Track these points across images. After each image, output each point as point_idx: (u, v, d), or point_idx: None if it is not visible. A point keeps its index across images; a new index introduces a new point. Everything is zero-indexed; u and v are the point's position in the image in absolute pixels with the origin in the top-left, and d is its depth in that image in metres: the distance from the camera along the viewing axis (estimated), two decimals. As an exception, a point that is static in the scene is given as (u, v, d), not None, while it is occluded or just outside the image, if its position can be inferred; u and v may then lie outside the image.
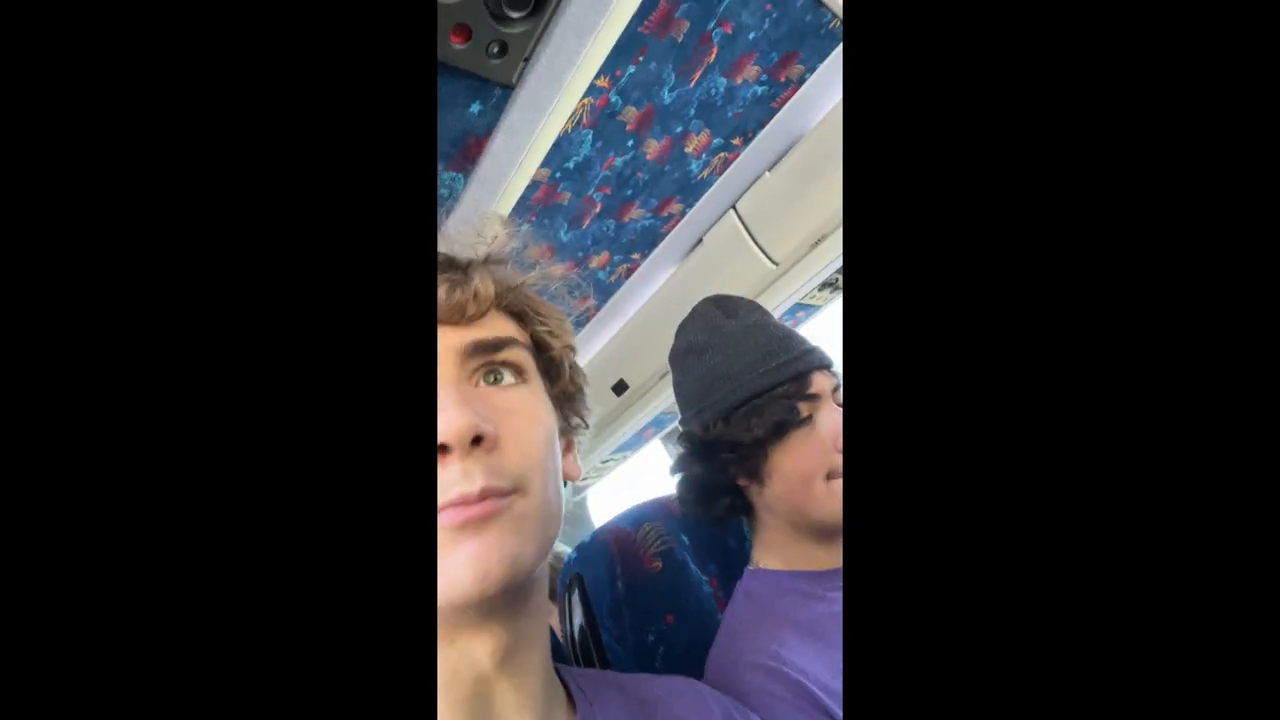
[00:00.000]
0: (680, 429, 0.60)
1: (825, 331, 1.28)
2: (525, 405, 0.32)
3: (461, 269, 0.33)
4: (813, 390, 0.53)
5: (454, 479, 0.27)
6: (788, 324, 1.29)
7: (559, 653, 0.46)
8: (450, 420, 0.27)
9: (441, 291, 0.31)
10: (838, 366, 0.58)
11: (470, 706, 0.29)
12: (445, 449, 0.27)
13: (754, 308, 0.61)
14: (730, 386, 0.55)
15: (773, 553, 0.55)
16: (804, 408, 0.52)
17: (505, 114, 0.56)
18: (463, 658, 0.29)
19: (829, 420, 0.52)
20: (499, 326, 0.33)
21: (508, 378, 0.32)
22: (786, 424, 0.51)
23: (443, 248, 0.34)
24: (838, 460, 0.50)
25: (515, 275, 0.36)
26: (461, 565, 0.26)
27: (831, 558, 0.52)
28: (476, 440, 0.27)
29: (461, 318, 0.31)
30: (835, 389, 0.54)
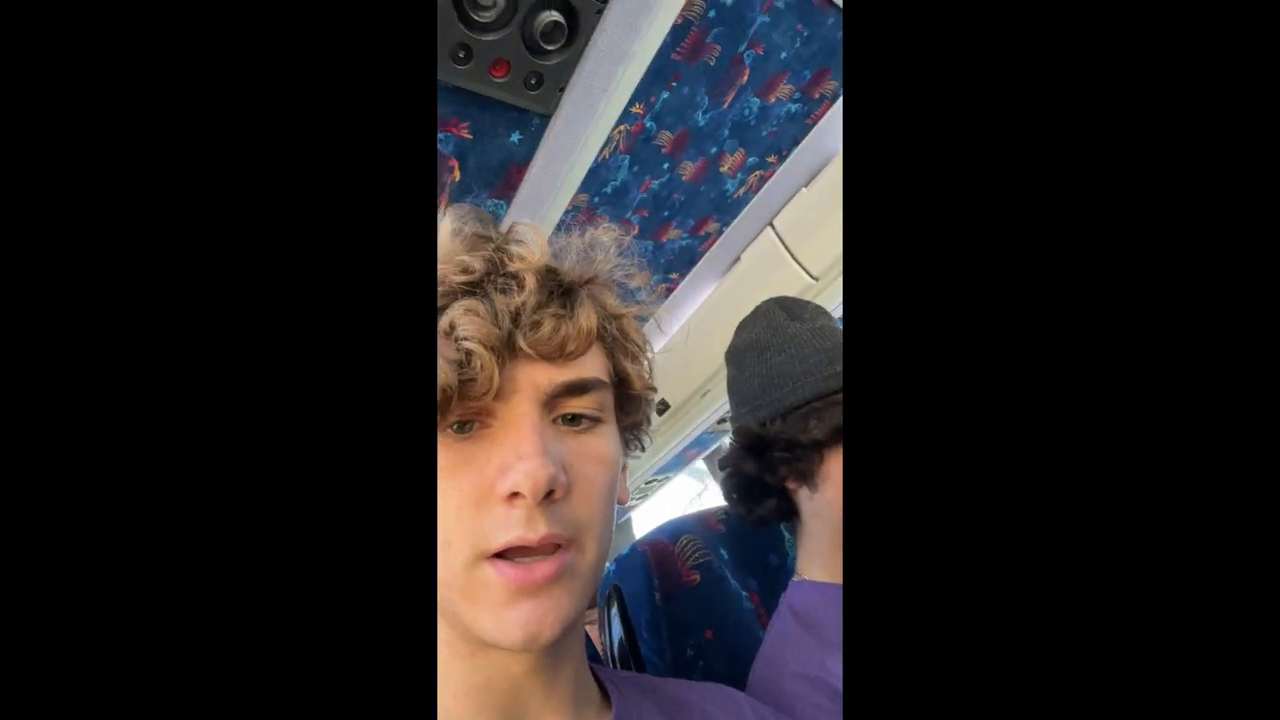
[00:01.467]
0: (733, 424, 0.59)
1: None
2: (598, 451, 0.31)
3: (566, 296, 0.31)
4: None
5: (517, 522, 0.27)
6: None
7: (596, 662, 0.46)
8: (531, 472, 0.26)
9: (547, 327, 0.29)
10: None
11: (501, 709, 0.30)
12: (517, 496, 0.26)
13: (820, 312, 0.60)
14: (791, 387, 0.53)
15: (818, 563, 0.53)
16: None
17: (543, 141, 0.59)
18: (495, 666, 0.30)
19: None
20: (590, 365, 0.31)
21: (585, 421, 0.31)
22: (843, 430, 0.50)
23: (550, 261, 0.32)
24: None
25: (618, 305, 0.34)
26: (513, 624, 0.26)
27: None
28: (549, 495, 0.27)
29: (559, 355, 0.29)
30: None
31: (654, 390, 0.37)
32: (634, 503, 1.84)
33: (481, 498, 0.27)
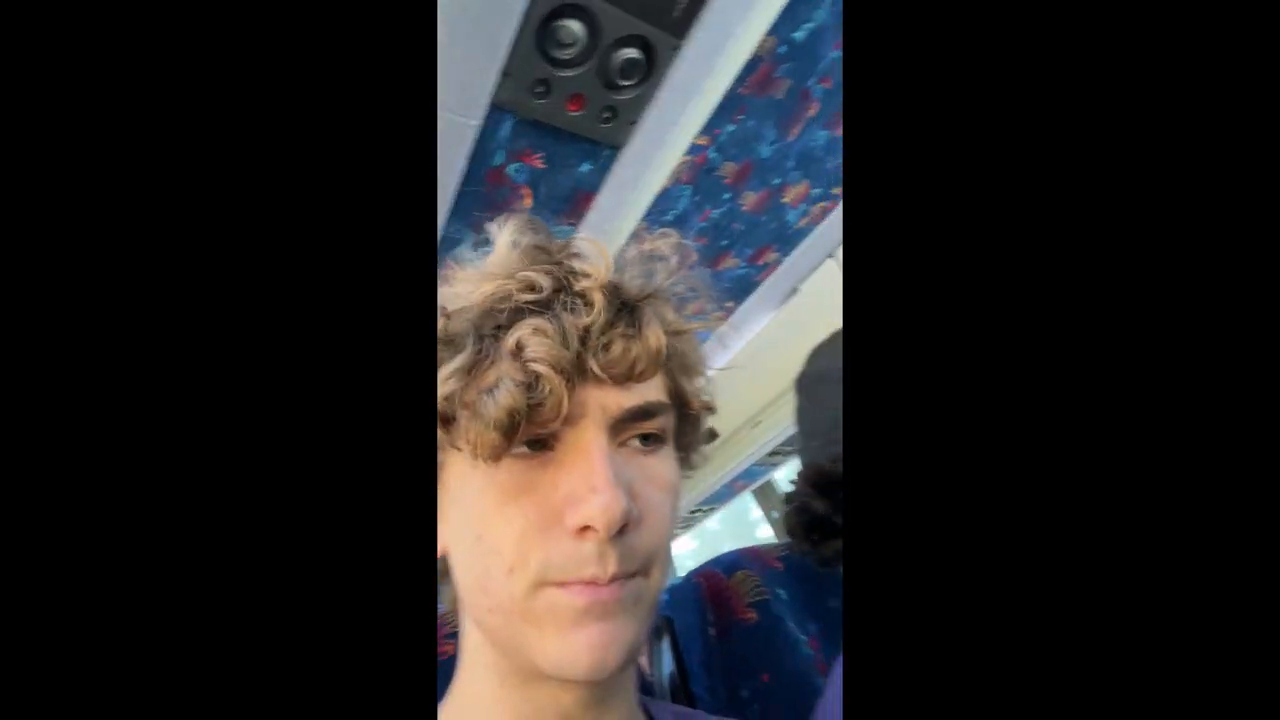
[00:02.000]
0: (801, 458, 0.57)
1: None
2: (661, 474, 0.30)
3: (631, 314, 0.29)
4: None
5: (588, 559, 0.26)
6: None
7: (647, 694, 0.45)
8: (606, 507, 0.25)
9: (617, 349, 0.28)
10: None
11: None
12: (589, 530, 0.26)
13: None
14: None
15: None
16: None
17: (612, 171, 0.60)
18: (550, 698, 0.29)
19: None
20: (654, 388, 0.30)
21: (653, 442, 0.30)
22: None
23: (613, 276, 0.30)
24: None
25: (679, 321, 0.32)
26: (580, 650, 0.26)
27: None
28: (622, 530, 0.26)
29: (629, 378, 0.28)
30: None
31: (712, 410, 0.35)
32: (676, 532, 1.81)
33: (548, 525, 0.26)
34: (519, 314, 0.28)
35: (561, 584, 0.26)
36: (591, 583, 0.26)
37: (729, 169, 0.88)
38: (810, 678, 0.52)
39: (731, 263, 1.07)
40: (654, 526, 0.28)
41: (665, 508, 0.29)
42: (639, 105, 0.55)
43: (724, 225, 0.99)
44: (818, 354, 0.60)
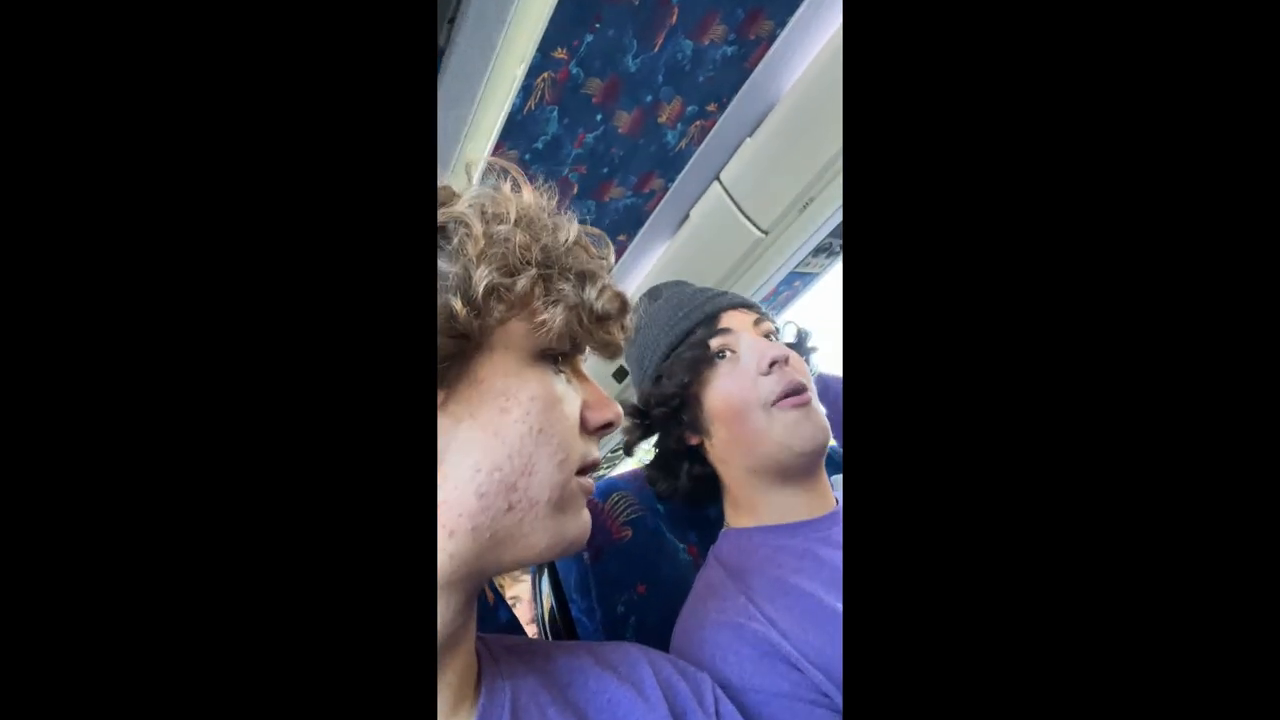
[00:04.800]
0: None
1: (825, 299, 1.23)
2: (584, 394, 0.37)
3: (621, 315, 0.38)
4: (724, 325, 0.51)
5: (595, 450, 0.34)
6: (784, 294, 1.25)
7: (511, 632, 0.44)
8: (619, 412, 0.35)
9: (614, 328, 0.35)
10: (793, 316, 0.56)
11: None
12: (609, 427, 0.35)
13: (675, 284, 0.61)
14: (651, 352, 0.55)
15: (741, 510, 0.51)
16: (716, 342, 0.51)
17: (440, 83, 0.54)
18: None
19: (749, 349, 0.49)
20: None
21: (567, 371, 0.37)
22: (700, 360, 0.50)
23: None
24: (768, 385, 0.47)
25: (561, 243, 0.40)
26: (585, 521, 0.34)
27: (805, 506, 0.49)
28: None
29: (602, 346, 0.37)
30: (755, 321, 0.52)
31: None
32: (600, 474, 1.83)
33: (577, 427, 0.33)
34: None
35: (583, 471, 0.33)
36: (595, 465, 0.34)
37: (595, 86, 0.83)
38: (689, 582, 0.52)
39: (616, 192, 1.03)
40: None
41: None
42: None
43: (602, 151, 0.94)
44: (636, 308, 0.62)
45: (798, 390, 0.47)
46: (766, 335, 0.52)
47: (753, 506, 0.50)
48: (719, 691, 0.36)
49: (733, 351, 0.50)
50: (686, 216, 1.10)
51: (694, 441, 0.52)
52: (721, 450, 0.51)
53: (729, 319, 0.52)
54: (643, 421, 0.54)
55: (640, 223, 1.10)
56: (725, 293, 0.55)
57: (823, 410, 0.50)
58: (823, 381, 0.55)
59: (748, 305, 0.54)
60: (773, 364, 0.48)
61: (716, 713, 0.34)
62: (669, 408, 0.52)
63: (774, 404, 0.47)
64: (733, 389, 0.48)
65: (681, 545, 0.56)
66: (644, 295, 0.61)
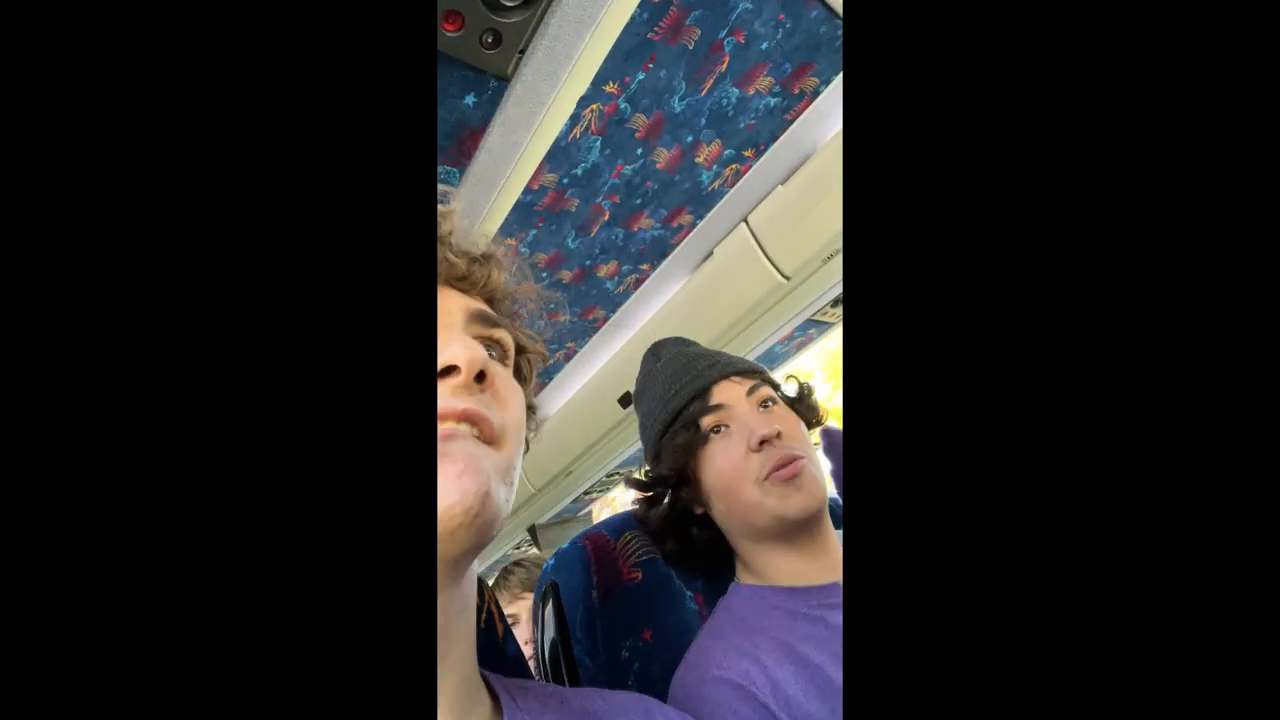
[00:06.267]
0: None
1: (838, 349, 1.24)
2: (510, 379, 0.34)
3: (479, 255, 0.36)
4: (716, 401, 0.52)
5: (448, 394, 0.29)
6: (798, 339, 1.26)
7: (519, 669, 0.43)
8: (465, 349, 0.29)
9: (463, 262, 0.34)
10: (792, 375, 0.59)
11: None
12: (454, 370, 0.29)
13: (678, 343, 0.62)
14: (651, 425, 0.56)
15: (750, 571, 0.52)
16: (707, 421, 0.52)
17: (501, 108, 0.55)
18: None
19: (740, 427, 0.50)
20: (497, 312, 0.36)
21: (497, 351, 0.35)
22: (693, 443, 0.52)
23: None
24: (759, 462, 0.48)
25: (511, 282, 0.39)
26: (448, 482, 0.27)
27: (814, 569, 0.49)
28: (480, 377, 0.29)
29: (473, 288, 0.35)
30: (750, 390, 0.53)
31: (545, 360, 0.41)
32: (594, 495, 1.82)
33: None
34: None
35: (441, 420, 0.29)
36: (448, 413, 0.28)
37: (640, 121, 0.85)
38: (693, 632, 0.52)
39: (646, 223, 1.04)
40: (508, 404, 0.32)
41: (515, 400, 0.33)
42: (525, 31, 0.50)
43: (637, 183, 0.95)
44: (637, 380, 0.63)
45: (788, 462, 0.48)
46: (763, 402, 0.52)
47: (761, 568, 0.51)
48: None
49: (726, 426, 0.51)
50: (711, 254, 1.11)
51: (699, 511, 0.53)
52: (721, 519, 0.53)
53: (721, 392, 0.52)
54: (650, 499, 0.56)
55: (664, 254, 1.11)
56: (718, 359, 0.56)
57: (824, 468, 0.50)
58: (829, 436, 0.55)
59: (741, 373, 0.54)
60: (763, 443, 0.48)
61: None
62: (668, 487, 0.53)
63: (765, 479, 0.48)
64: (725, 468, 0.50)
65: (689, 593, 0.56)
66: (648, 352, 0.63)
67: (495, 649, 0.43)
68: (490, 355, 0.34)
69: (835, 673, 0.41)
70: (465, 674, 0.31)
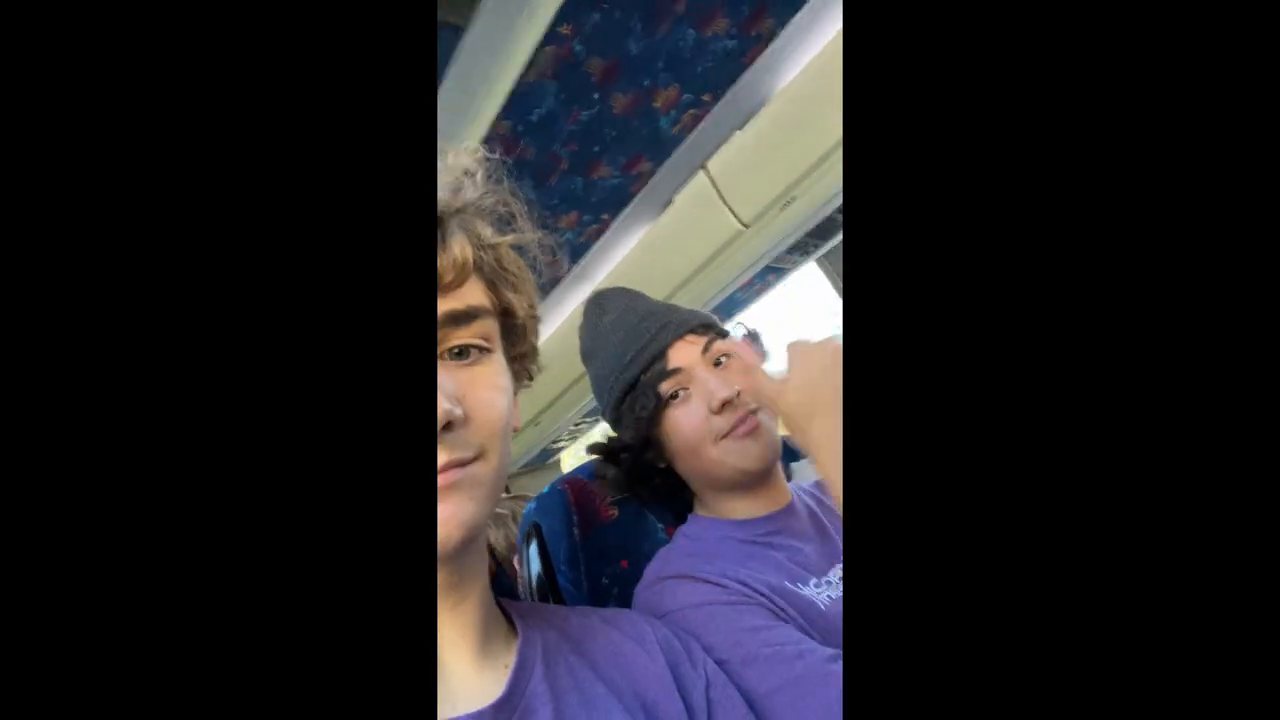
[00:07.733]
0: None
1: (795, 295, 1.28)
2: (489, 377, 0.32)
3: (439, 227, 0.31)
4: (673, 365, 0.53)
5: None
6: (756, 287, 1.29)
7: (514, 595, 0.47)
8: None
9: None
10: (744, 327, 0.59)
11: None
12: None
13: (622, 295, 0.60)
14: (606, 390, 0.57)
15: (706, 508, 0.57)
16: (666, 386, 0.53)
17: (456, 56, 0.54)
18: None
19: (700, 391, 0.52)
20: (471, 294, 0.31)
21: (474, 353, 0.31)
22: (655, 410, 0.53)
23: None
24: (719, 423, 0.51)
25: (492, 234, 0.34)
26: None
27: (760, 506, 0.54)
28: (446, 426, 0.28)
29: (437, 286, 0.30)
30: (705, 349, 0.53)
31: (538, 319, 0.38)
32: (563, 443, 1.86)
33: None
34: None
35: None
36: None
37: (596, 65, 0.82)
38: (665, 560, 0.57)
39: (604, 171, 1.03)
40: (485, 420, 0.30)
41: (496, 405, 0.31)
42: (479, -25, 0.48)
43: (595, 130, 0.94)
44: (580, 329, 0.62)
45: (746, 419, 0.51)
46: (717, 359, 0.54)
47: (717, 508, 0.55)
48: (706, 655, 0.41)
49: (685, 389, 0.53)
50: (670, 201, 1.12)
51: (661, 465, 0.56)
52: (684, 473, 0.56)
53: (677, 355, 0.53)
54: (611, 460, 0.57)
55: (624, 204, 1.11)
56: (669, 318, 0.55)
57: (774, 421, 0.53)
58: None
59: (694, 329, 0.55)
60: (723, 405, 0.51)
61: (705, 672, 0.39)
62: (633, 452, 0.55)
63: (725, 437, 0.51)
64: (688, 431, 0.52)
65: (660, 525, 0.61)
66: (590, 303, 0.61)
67: (493, 582, 0.47)
68: (467, 358, 0.31)
69: (775, 577, 0.47)
70: (486, 602, 0.35)
